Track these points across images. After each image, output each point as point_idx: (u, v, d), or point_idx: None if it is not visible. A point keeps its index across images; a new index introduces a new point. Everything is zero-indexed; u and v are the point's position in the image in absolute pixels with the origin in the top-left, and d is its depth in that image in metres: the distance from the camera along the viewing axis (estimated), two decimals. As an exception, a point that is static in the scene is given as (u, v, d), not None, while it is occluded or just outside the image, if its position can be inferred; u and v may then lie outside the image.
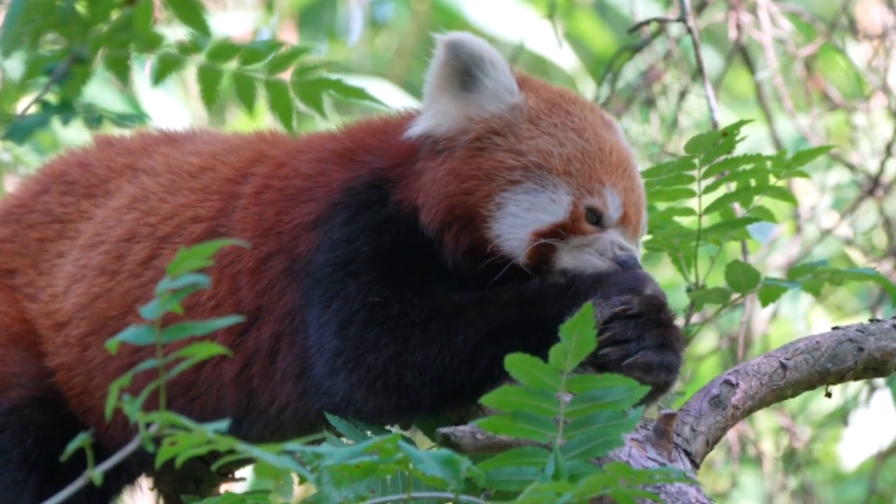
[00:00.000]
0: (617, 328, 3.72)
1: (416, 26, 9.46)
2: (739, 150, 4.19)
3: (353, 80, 3.59)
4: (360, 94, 3.56)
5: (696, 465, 3.71)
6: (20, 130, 3.39)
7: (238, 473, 4.36)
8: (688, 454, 3.70)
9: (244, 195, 4.07)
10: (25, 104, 3.45)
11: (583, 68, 8.41)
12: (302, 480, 3.42)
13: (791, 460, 6.90)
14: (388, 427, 3.86)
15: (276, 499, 4.14)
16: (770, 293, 4.22)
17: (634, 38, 6.31)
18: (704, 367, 7.08)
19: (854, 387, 6.72)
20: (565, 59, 8.19)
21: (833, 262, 6.95)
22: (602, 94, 6.31)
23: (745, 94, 8.30)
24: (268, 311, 3.93)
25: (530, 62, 8.52)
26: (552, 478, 3.25)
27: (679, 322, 3.86)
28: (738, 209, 4.37)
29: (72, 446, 3.07)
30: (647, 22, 6.00)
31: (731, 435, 6.68)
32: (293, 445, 3.08)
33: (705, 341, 7.13)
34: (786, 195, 4.30)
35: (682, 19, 5.53)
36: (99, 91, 6.83)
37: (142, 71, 6.55)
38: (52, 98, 3.41)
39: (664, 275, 6.35)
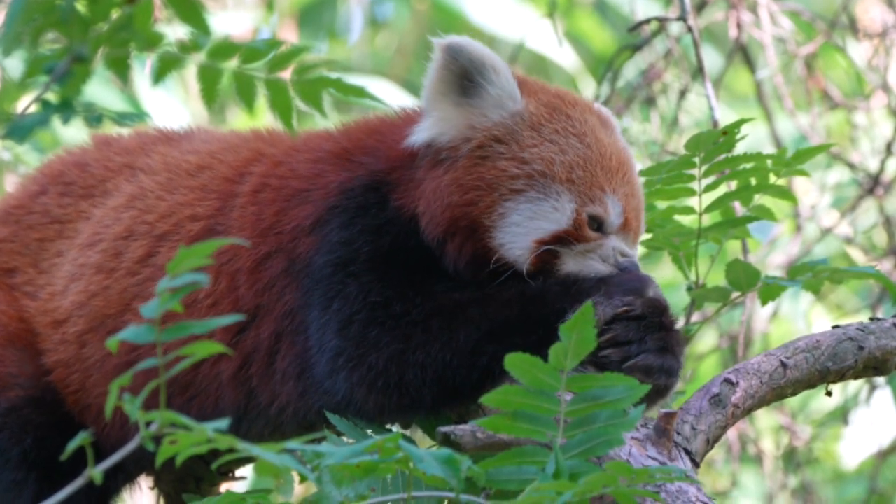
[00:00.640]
0: (619, 330, 3.72)
1: (416, 25, 9.46)
2: (740, 148, 4.19)
3: (353, 79, 3.58)
4: (359, 92, 3.56)
5: (696, 464, 3.71)
6: (20, 129, 3.39)
7: (238, 472, 4.36)
8: (688, 453, 3.70)
9: (242, 194, 4.07)
10: (26, 103, 3.45)
11: (583, 67, 8.41)
12: (302, 479, 3.42)
13: (791, 459, 6.90)
14: (388, 426, 3.86)
15: (277, 498, 4.14)
16: (770, 292, 4.22)
17: (635, 36, 6.31)
18: (705, 366, 7.08)
19: (854, 385, 6.72)
20: (565, 58, 8.19)
21: (833, 260, 6.96)
22: (602, 93, 6.31)
23: (745, 92, 8.30)
24: (267, 310, 3.93)
25: (530, 61, 8.53)
26: (553, 477, 3.25)
27: (680, 322, 3.86)
28: (739, 208, 4.36)
29: (72, 445, 3.07)
30: (648, 21, 6.00)
31: (732, 434, 6.68)
32: (293, 444, 3.08)
33: (705, 340, 7.13)
34: (786, 194, 4.30)
35: (682, 18, 5.53)
36: (99, 90, 6.84)
37: (142, 70, 6.55)
38: (52, 97, 3.40)
39: (664, 273, 6.35)
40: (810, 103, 6.68)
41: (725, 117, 5.59)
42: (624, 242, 3.88)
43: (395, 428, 3.89)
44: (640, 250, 4.03)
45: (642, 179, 4.11)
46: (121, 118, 3.47)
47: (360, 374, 3.78)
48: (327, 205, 3.93)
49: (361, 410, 3.81)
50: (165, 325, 3.08)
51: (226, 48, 3.48)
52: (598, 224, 3.86)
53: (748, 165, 4.21)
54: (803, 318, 7.40)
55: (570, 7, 8.43)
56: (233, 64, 3.51)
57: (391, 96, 7.37)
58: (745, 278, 4.18)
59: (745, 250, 5.08)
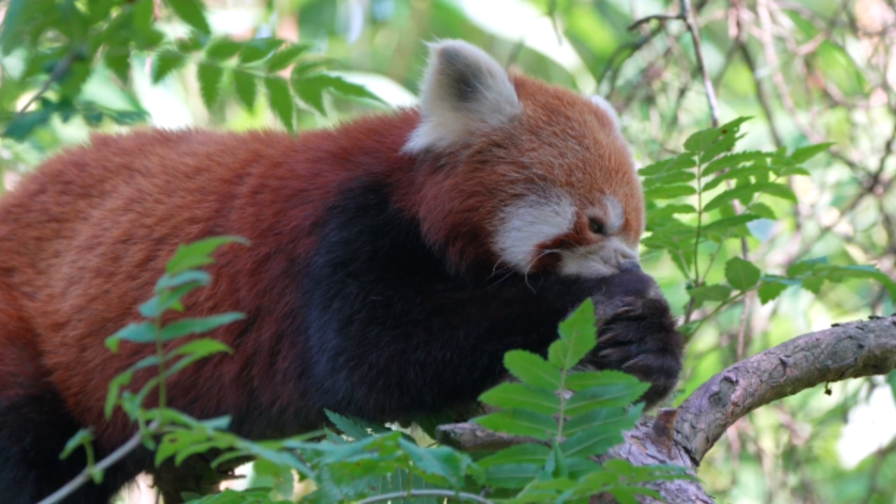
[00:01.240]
0: (619, 329, 3.72)
1: (415, 24, 9.46)
2: (739, 147, 4.19)
3: (353, 78, 3.59)
4: (359, 91, 3.56)
5: (695, 463, 3.71)
6: (20, 128, 3.39)
7: (238, 471, 4.36)
8: (688, 451, 3.70)
9: (240, 195, 4.07)
10: (25, 101, 3.45)
11: (583, 66, 8.41)
12: (302, 478, 3.42)
13: (791, 457, 6.90)
14: (388, 425, 3.86)
15: (276, 496, 4.14)
16: (770, 290, 4.22)
17: (634, 35, 6.31)
18: (704, 365, 7.08)
19: (854, 384, 6.72)
20: (565, 56, 8.19)
21: (833, 259, 6.96)
22: (602, 92, 6.31)
23: (744, 91, 8.30)
24: (267, 311, 3.93)
25: (530, 60, 8.53)
26: (552, 475, 3.25)
27: (679, 321, 3.86)
28: (738, 206, 4.37)
29: (72, 444, 3.07)
30: (647, 19, 6.01)
31: (731, 432, 6.68)
32: (293, 443, 3.08)
33: (705, 338, 7.13)
34: (785, 192, 4.30)
35: (681, 16, 5.53)
36: (99, 89, 6.84)
37: (142, 68, 6.55)
38: (52, 95, 3.41)
39: (664, 272, 6.35)
40: (810, 102, 6.68)
41: (725, 116, 5.60)
42: (625, 243, 3.88)
43: (395, 426, 3.89)
44: (640, 248, 4.03)
45: (642, 178, 4.12)
46: (121, 117, 3.47)
47: (361, 374, 3.78)
48: (326, 205, 3.93)
49: (362, 409, 3.81)
50: (165, 325, 3.08)
51: (225, 47, 3.48)
52: (598, 226, 3.86)
53: (748, 164, 4.21)
54: (803, 317, 7.40)
55: (570, 5, 8.43)
56: (233, 63, 3.51)
57: (391, 95, 7.37)
58: (744, 277, 4.18)
59: (744, 249, 5.08)
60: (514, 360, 3.27)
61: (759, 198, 4.28)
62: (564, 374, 3.27)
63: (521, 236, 3.83)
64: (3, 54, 3.40)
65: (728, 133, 4.14)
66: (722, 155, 4.19)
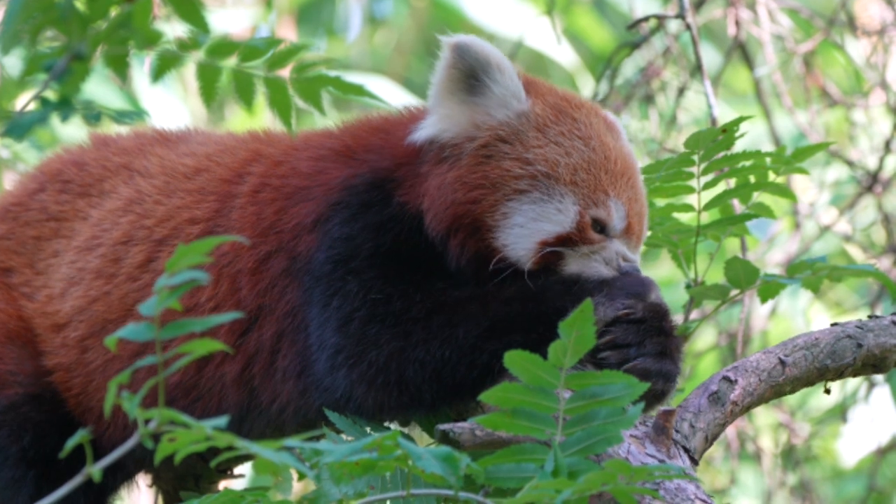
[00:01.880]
0: (618, 332, 3.72)
1: (414, 23, 9.45)
2: (738, 146, 4.19)
3: (352, 77, 3.59)
4: (358, 90, 3.56)
5: (695, 462, 3.71)
6: (19, 127, 3.39)
7: (237, 470, 4.36)
8: (687, 451, 3.70)
9: (241, 195, 4.07)
10: (24, 100, 3.45)
11: (582, 65, 8.41)
12: (301, 477, 3.42)
13: (790, 457, 6.91)
14: (387, 424, 3.86)
15: (275, 495, 4.14)
16: (769, 290, 4.22)
17: (633, 34, 6.31)
18: (703, 364, 7.08)
19: (853, 383, 6.72)
20: (564, 55, 8.19)
21: (832, 258, 6.96)
22: (601, 91, 6.32)
23: (744, 90, 8.30)
24: (269, 310, 3.93)
25: (529, 59, 8.53)
26: (551, 474, 3.25)
27: (679, 320, 3.86)
28: (738, 205, 4.37)
29: (71, 443, 3.07)
30: (646, 18, 6.01)
31: (730, 431, 6.68)
32: (292, 442, 3.08)
33: (704, 338, 7.13)
34: (785, 192, 4.30)
35: (680, 16, 5.53)
36: (98, 88, 6.84)
37: (141, 68, 6.55)
38: (51, 95, 3.41)
39: (663, 271, 6.35)
40: (809, 101, 6.69)
41: (724, 115, 5.60)
42: (626, 247, 3.89)
43: (394, 425, 3.89)
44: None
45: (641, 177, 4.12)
46: (120, 116, 3.47)
47: (360, 371, 3.79)
48: (329, 201, 3.93)
49: (361, 407, 3.81)
50: (165, 325, 3.08)
51: (225, 46, 3.48)
52: (601, 227, 3.86)
53: (747, 163, 4.21)
54: (802, 316, 7.40)
55: (569, 4, 8.43)
56: (232, 62, 3.51)
57: (390, 94, 7.37)
58: (743, 276, 4.18)
59: (743, 248, 5.08)
60: (514, 359, 3.27)
61: (759, 197, 4.28)
62: (564, 374, 3.27)
63: (523, 233, 3.83)
64: (2, 53, 3.40)
65: (727, 132, 4.15)
66: (721, 154, 4.19)
